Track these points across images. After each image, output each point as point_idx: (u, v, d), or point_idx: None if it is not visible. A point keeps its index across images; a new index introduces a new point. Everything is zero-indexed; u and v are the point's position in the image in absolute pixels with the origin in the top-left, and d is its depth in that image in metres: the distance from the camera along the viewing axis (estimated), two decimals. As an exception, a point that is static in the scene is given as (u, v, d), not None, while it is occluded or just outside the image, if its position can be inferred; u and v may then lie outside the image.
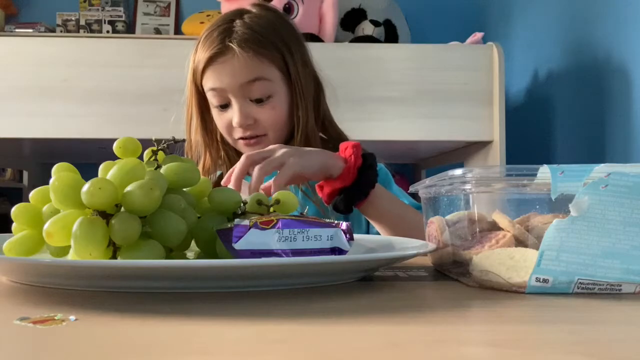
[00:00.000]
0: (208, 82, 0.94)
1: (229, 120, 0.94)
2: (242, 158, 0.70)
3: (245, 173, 0.69)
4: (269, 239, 0.42)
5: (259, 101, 0.93)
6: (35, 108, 1.64)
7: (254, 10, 0.98)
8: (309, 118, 0.96)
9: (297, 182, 0.83)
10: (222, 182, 0.70)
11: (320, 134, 0.99)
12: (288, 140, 0.98)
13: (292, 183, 0.81)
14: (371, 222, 0.85)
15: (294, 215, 0.45)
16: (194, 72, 0.96)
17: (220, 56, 0.92)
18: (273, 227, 0.42)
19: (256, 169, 0.68)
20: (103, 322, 0.31)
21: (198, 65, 0.95)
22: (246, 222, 0.42)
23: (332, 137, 1.00)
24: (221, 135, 1.00)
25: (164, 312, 0.34)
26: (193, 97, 0.98)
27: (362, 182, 0.76)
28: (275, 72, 0.94)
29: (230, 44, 0.91)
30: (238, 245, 0.41)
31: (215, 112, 0.97)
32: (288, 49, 0.95)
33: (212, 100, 0.95)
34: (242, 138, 0.95)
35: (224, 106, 0.95)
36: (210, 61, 0.92)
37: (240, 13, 0.97)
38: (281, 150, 0.72)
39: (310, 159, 0.74)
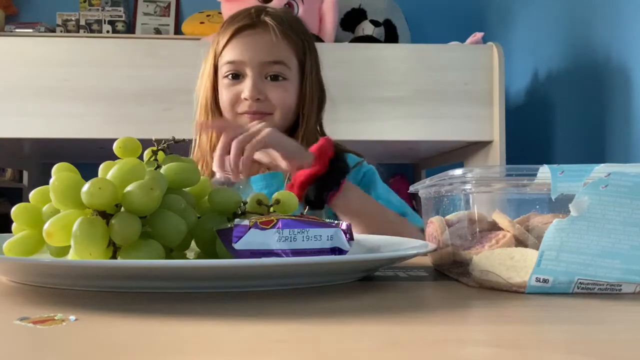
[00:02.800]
0: (227, 55, 0.96)
1: (238, 92, 0.96)
2: (233, 144, 0.74)
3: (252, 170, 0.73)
4: (269, 239, 0.42)
5: (273, 79, 0.96)
6: (35, 108, 1.64)
7: (278, 8, 1.05)
8: (311, 117, 0.99)
9: (270, 165, 0.84)
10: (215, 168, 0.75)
11: None
12: (290, 134, 0.99)
13: (267, 165, 0.84)
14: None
15: (294, 215, 0.45)
16: (215, 52, 0.99)
17: (249, 28, 0.96)
18: (273, 227, 0.42)
19: (234, 142, 0.73)
20: (103, 322, 0.31)
21: (221, 40, 0.97)
22: (246, 222, 0.42)
23: None
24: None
25: (164, 312, 0.34)
26: (208, 79, 1.00)
27: (334, 170, 0.79)
28: (294, 62, 0.98)
29: (265, 19, 0.96)
30: (238, 245, 0.41)
31: (224, 84, 0.98)
32: (309, 44, 1.01)
33: (225, 72, 0.97)
34: (246, 113, 0.97)
35: (236, 76, 0.97)
36: (237, 32, 0.96)
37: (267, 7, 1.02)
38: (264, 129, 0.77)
39: (286, 139, 0.79)
